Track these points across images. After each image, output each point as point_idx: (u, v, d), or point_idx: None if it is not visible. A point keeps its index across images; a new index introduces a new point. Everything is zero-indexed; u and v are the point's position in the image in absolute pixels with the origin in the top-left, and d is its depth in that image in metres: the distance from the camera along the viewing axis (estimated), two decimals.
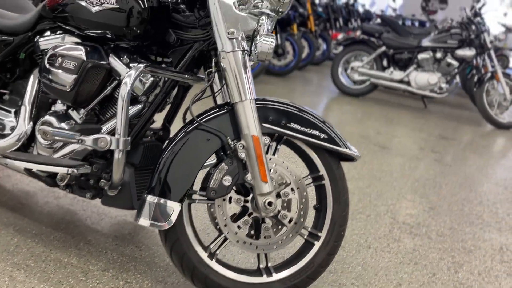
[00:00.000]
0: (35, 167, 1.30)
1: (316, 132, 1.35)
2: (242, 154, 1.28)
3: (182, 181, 1.27)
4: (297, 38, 6.05)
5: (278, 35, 5.68)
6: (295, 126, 1.34)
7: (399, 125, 4.20)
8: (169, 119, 1.61)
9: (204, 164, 1.34)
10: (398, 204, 2.31)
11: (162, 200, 1.25)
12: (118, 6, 1.34)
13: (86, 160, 1.41)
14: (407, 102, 5.61)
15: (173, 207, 1.25)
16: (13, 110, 1.58)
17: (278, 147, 1.40)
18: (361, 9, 11.35)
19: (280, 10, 1.26)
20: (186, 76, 1.38)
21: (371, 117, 4.36)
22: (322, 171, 1.40)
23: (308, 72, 6.81)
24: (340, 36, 5.29)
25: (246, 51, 1.27)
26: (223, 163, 1.29)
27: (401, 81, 4.99)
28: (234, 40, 1.25)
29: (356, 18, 10.05)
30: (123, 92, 1.22)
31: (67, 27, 1.48)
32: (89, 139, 1.20)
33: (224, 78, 1.28)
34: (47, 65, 1.43)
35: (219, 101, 1.46)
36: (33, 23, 1.57)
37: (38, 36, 1.56)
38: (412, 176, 2.77)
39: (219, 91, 1.44)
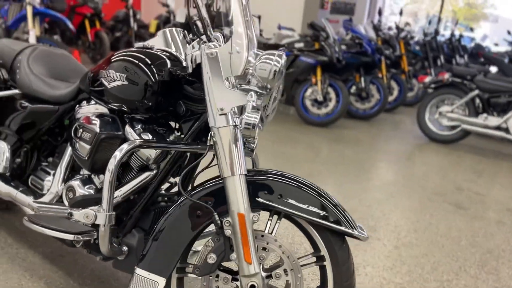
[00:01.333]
0: (46, 232, 1.42)
1: (315, 209, 1.28)
2: (228, 232, 1.25)
3: (169, 256, 1.28)
4: (384, 80, 5.83)
5: (362, 78, 5.54)
6: (291, 201, 1.28)
7: (488, 180, 3.73)
8: (184, 184, 1.64)
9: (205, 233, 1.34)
10: (455, 280, 2.03)
11: (148, 274, 1.26)
12: (127, 82, 1.43)
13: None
14: (508, 150, 4.99)
15: (158, 282, 1.25)
16: (52, 172, 1.75)
17: (279, 221, 1.34)
18: (471, 44, 10.56)
19: (268, 87, 1.23)
20: (187, 147, 1.40)
21: (457, 169, 3.95)
22: (323, 251, 1.31)
23: (398, 115, 6.47)
24: (428, 79, 4.95)
25: (237, 126, 1.26)
26: (209, 239, 1.27)
27: (498, 128, 4.47)
28: (225, 116, 1.25)
29: (463, 54, 9.36)
30: (111, 166, 1.27)
31: (97, 100, 1.62)
32: (77, 213, 1.28)
33: (215, 152, 1.28)
34: (73, 134, 1.57)
35: None
36: (75, 94, 1.74)
37: (77, 105, 1.72)
38: (485, 246, 2.42)
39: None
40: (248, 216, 1.23)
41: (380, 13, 6.85)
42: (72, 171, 1.71)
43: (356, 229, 1.28)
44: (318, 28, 4.95)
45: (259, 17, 8.13)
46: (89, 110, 1.64)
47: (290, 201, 1.28)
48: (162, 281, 1.25)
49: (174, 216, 1.29)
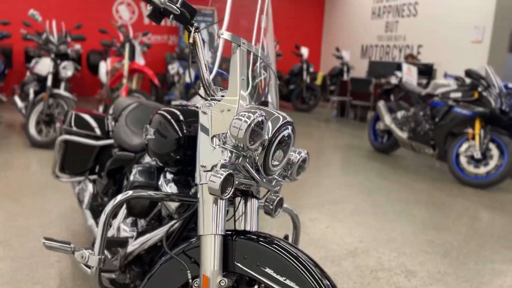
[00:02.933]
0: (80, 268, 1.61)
1: (293, 284, 1.14)
2: None
3: None
4: None
5: None
6: (269, 271, 1.18)
7: None
8: None
9: None
10: None
11: None
12: (158, 136, 1.56)
13: (130, 265, 1.62)
14: None
15: None
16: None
17: None
18: None
19: (241, 145, 1.18)
20: (176, 198, 1.43)
21: None
22: None
23: None
24: None
25: None
26: None
27: None
28: (206, 173, 1.24)
29: None
30: (104, 212, 1.38)
31: None
32: (76, 253, 1.41)
33: (197, 208, 1.28)
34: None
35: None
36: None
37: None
38: None
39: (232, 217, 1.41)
40: (213, 280, 1.17)
41: None
42: None
43: None
44: (476, 76, 4.34)
45: (430, 66, 7.59)
46: (147, 159, 1.84)
47: (268, 270, 1.17)
48: None
49: (157, 270, 1.32)
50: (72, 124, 2.30)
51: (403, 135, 5.16)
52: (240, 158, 1.21)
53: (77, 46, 5.76)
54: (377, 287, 2.23)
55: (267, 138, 1.21)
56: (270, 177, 1.32)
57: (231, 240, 1.25)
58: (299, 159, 1.36)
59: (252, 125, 1.15)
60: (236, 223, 1.40)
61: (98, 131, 2.35)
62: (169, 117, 1.57)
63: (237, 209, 1.39)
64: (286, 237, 1.72)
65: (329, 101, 9.16)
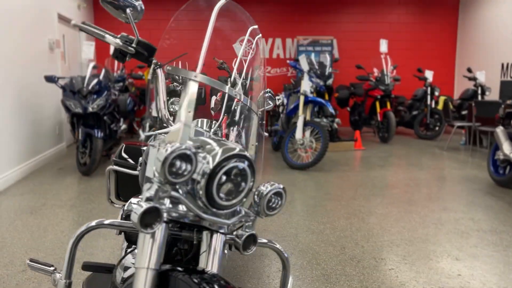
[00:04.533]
0: None
1: None
2: None
3: None
4: None
5: None
6: None
7: None
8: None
9: None
10: None
11: None
12: (141, 168, 1.64)
13: None
14: None
15: None
16: None
17: None
18: None
19: (161, 180, 1.18)
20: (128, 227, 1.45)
21: None
22: None
23: None
24: None
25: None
26: None
27: None
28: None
29: None
30: (72, 237, 1.46)
31: None
32: (52, 275, 1.52)
33: None
34: None
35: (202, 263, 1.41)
36: None
37: None
38: None
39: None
40: None
41: None
42: None
43: None
44: None
45: None
46: None
47: None
48: None
49: None
50: (122, 155, 2.54)
51: None
52: (169, 192, 1.20)
53: None
54: None
55: (210, 168, 1.17)
56: (227, 211, 1.26)
57: (173, 277, 1.23)
58: (268, 192, 1.29)
59: (170, 158, 1.12)
60: (203, 258, 1.37)
61: None
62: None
63: (202, 244, 1.37)
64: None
65: (453, 127, 8.27)
